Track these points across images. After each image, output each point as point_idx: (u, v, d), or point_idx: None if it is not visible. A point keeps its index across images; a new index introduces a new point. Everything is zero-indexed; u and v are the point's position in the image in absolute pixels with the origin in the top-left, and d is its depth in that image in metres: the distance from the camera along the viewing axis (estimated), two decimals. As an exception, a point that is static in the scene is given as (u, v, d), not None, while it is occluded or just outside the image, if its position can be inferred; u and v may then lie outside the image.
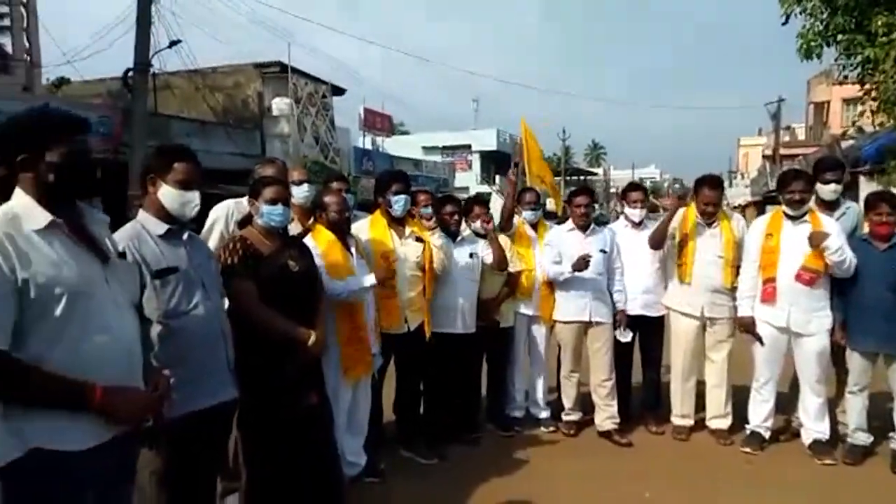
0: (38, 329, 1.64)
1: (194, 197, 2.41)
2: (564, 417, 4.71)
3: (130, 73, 11.54)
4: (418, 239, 4.04)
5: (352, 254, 3.58)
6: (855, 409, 4.10)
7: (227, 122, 16.76)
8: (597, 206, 4.90)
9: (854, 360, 4.07)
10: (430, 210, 4.43)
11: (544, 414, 4.83)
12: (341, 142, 20.13)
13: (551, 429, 4.72)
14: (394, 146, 28.71)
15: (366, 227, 4.01)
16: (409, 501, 3.62)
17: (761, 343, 4.26)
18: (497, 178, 35.17)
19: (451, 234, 4.41)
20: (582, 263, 4.34)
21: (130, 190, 9.78)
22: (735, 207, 23.15)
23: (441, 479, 3.89)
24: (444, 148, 35.41)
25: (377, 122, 25.68)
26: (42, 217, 1.69)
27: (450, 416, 4.45)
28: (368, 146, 24.32)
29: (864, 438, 4.12)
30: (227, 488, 3.35)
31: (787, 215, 4.22)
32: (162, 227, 2.37)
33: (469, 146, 35.95)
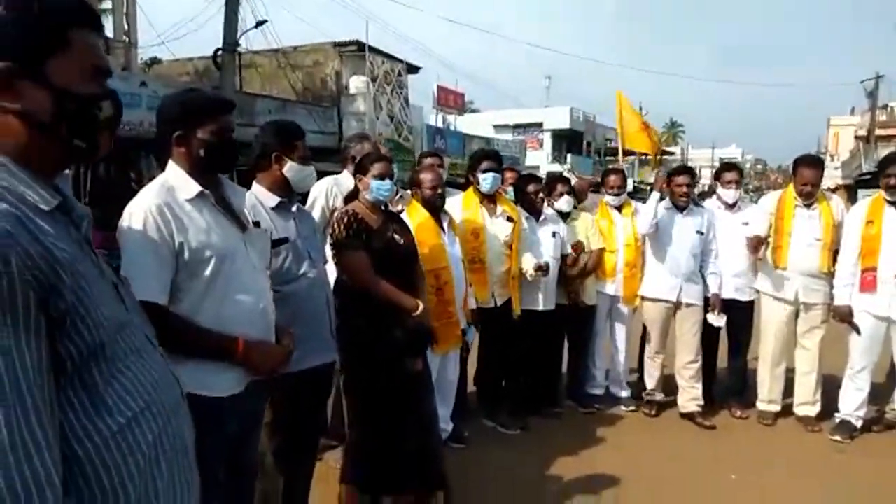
0: (190, 288, 1.83)
1: (312, 170, 2.60)
2: (646, 397, 4.72)
3: (220, 53, 12.01)
4: (509, 218, 4.12)
5: (444, 230, 3.69)
6: (959, 402, 3.94)
7: (307, 101, 17.20)
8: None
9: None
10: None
11: (624, 393, 4.86)
12: (414, 120, 20.29)
13: (632, 408, 4.75)
14: (465, 124, 28.68)
15: (459, 204, 4.13)
16: (492, 468, 3.75)
17: (858, 332, 4.13)
18: (568, 156, 34.60)
19: (535, 213, 4.46)
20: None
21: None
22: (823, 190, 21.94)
23: (523, 449, 4.01)
24: (516, 126, 35.07)
25: (450, 100, 25.68)
26: (193, 188, 1.88)
27: (531, 389, 4.55)
28: (440, 124, 24.40)
29: (967, 433, 3.96)
30: (325, 445, 3.58)
31: (888, 202, 4.05)
32: (274, 200, 2.54)
33: (541, 124, 35.45)
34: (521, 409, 4.41)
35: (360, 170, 3.04)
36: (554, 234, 4.46)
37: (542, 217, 4.48)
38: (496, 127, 33.84)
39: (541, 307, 4.39)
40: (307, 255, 2.55)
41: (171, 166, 1.92)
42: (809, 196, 4.34)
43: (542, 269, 4.12)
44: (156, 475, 1.06)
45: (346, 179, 3.79)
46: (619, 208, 4.87)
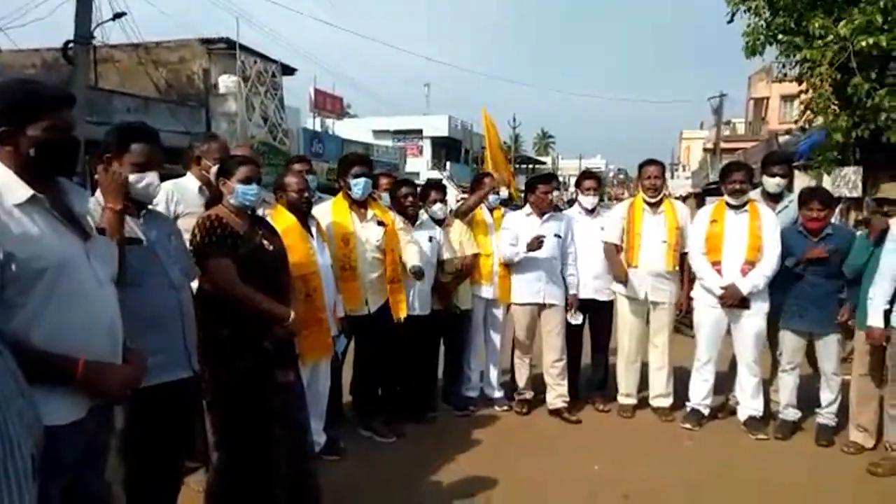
0: (22, 304, 1.64)
1: (149, 179, 2.41)
2: (517, 396, 4.88)
3: (71, 45, 11.00)
4: (380, 223, 4.09)
5: (312, 235, 3.60)
6: (787, 386, 4.41)
7: (172, 99, 16.23)
8: (556, 193, 5.06)
9: (787, 341, 4.38)
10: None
11: (498, 394, 5.00)
12: (290, 123, 19.76)
13: (504, 408, 4.89)
14: (344, 129, 28.38)
15: (328, 210, 4.04)
16: (368, 478, 3.71)
17: (747, 307, 4.36)
18: (448, 164, 35.22)
19: (410, 218, 4.48)
20: (535, 243, 4.47)
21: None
22: (676, 198, 23.88)
23: (399, 457, 4.00)
24: (396, 132, 35.21)
25: (328, 104, 25.32)
26: (22, 191, 1.68)
27: (407, 396, 4.55)
28: (318, 128, 23.97)
29: (793, 414, 4.44)
30: (187, 468, 3.36)
31: (729, 205, 4.48)
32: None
33: (420, 131, 35.85)
34: (398, 416, 4.40)
35: (224, 173, 2.90)
36: (431, 239, 4.50)
37: (418, 222, 4.50)
38: (376, 132, 33.81)
39: (416, 312, 4.41)
40: (157, 260, 2.39)
41: (-2, 167, 1.71)
42: (657, 191, 4.71)
43: (416, 275, 4.14)
44: None
45: (189, 182, 3.55)
46: (490, 212, 5.01)
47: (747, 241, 4.33)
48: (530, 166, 48.49)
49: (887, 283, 3.78)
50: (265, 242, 2.81)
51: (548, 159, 60.76)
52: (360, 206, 4.10)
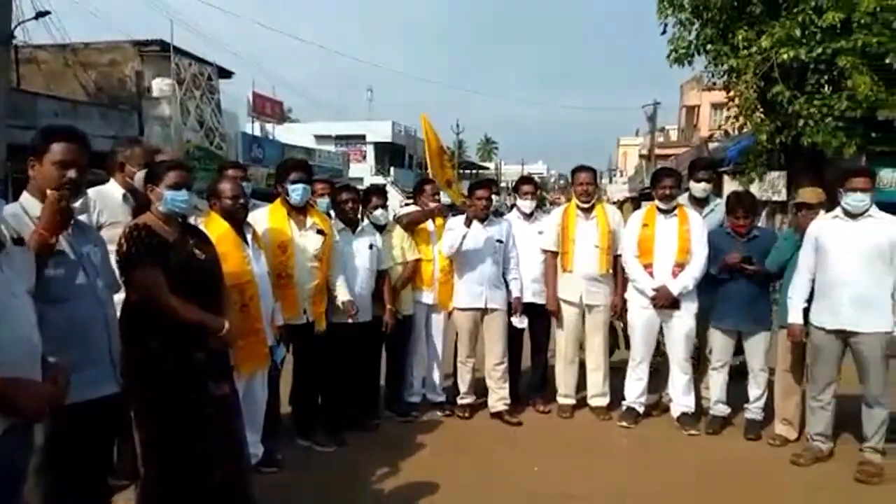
0: None
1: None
2: (459, 401, 4.90)
3: (-11, 45, 10.46)
4: (319, 231, 4.04)
5: (247, 243, 3.53)
6: (717, 383, 4.59)
7: (103, 103, 15.63)
8: (496, 197, 5.11)
9: (716, 339, 4.56)
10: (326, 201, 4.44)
11: (440, 399, 5.00)
12: (228, 127, 19.33)
13: (447, 412, 4.90)
14: (285, 134, 27.92)
15: (265, 216, 3.97)
16: (307, 490, 3.65)
17: (677, 307, 4.51)
18: (392, 169, 35.13)
19: (351, 224, 4.45)
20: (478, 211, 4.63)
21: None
22: (614, 202, 24.55)
23: (339, 466, 3.96)
24: (338, 137, 34.89)
25: (267, 108, 24.81)
26: None
27: (349, 404, 4.50)
28: (258, 133, 23.51)
29: (723, 410, 4.62)
30: (113, 486, 3.23)
31: (659, 209, 4.64)
32: (39, 208, 2.28)
33: (363, 137, 35.64)
34: (339, 424, 4.35)
35: (152, 178, 2.80)
36: (371, 247, 4.47)
37: (359, 228, 4.47)
38: (318, 137, 33.41)
39: (357, 319, 4.37)
40: (82, 272, 2.30)
41: None
42: (589, 196, 4.83)
43: (348, 308, 4.14)
44: None
45: (113, 190, 3.41)
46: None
47: (677, 244, 4.50)
48: (474, 171, 48.88)
49: (805, 282, 3.99)
50: (196, 251, 2.73)
51: (491, 165, 61.38)
52: (299, 212, 4.04)
